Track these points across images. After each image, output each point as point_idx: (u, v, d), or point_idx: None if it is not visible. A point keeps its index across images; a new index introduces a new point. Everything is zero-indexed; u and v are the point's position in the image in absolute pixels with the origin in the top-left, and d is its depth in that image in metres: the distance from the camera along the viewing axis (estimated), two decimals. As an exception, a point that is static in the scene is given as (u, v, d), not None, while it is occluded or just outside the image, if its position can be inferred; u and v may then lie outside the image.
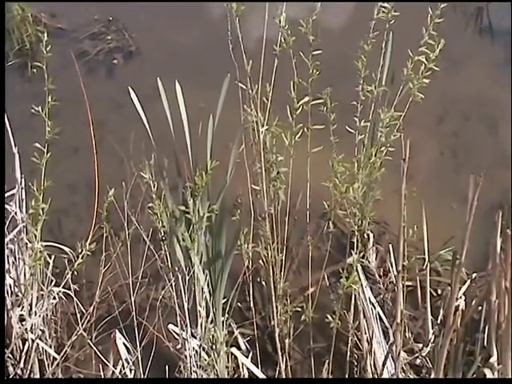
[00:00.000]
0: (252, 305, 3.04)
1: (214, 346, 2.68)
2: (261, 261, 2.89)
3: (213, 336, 2.62)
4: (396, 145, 2.92)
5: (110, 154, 3.59)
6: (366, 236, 3.31)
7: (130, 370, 2.62)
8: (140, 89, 2.78)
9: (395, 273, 3.12)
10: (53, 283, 2.76)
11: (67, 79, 4.42)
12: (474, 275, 3.04)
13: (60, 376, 2.68)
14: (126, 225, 2.57)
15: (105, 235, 2.69)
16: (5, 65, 4.46)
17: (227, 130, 2.55)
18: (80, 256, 2.56)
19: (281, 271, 2.82)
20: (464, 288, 2.94)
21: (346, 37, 4.15)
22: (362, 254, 3.14)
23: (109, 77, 4.48)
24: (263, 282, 3.18)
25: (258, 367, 2.84)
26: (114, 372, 2.60)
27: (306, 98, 2.50)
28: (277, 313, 2.78)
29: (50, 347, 2.70)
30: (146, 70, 4.43)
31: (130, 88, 2.53)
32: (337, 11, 4.63)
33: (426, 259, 2.99)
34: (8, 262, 2.69)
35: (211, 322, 2.71)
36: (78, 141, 3.86)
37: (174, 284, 2.57)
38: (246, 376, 2.82)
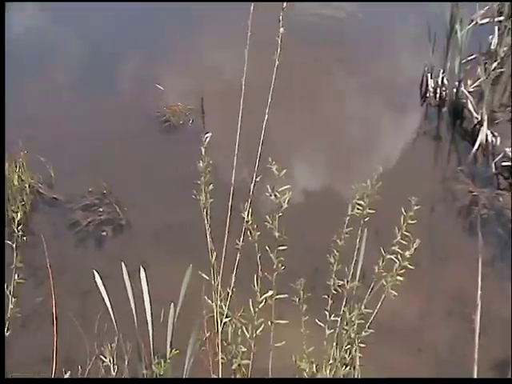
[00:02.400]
0: None
1: None
2: None
3: None
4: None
5: (88, 325, 3.59)
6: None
7: None
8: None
9: None
10: None
11: (58, 248, 4.54)
12: None
13: None
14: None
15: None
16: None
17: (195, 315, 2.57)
18: None
19: None
20: None
21: (320, 228, 4.27)
22: None
23: (97, 248, 4.57)
24: None
25: None
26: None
27: (270, 292, 2.53)
28: None
29: None
30: (135, 243, 4.52)
31: (95, 271, 2.59)
32: (309, 200, 4.83)
33: None
34: None
35: None
36: (59, 310, 3.86)
37: None
38: None
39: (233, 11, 2.98)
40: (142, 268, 2.64)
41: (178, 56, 6.43)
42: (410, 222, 2.85)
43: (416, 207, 2.80)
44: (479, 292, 2.56)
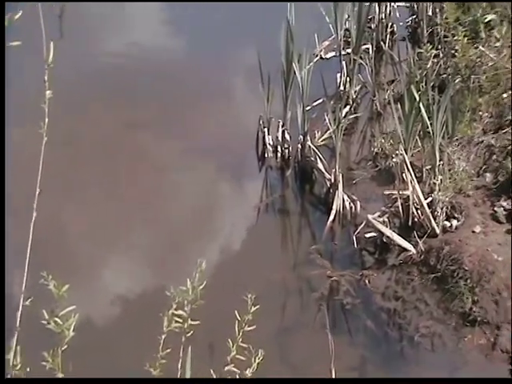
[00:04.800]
0: None
1: None
2: None
3: None
4: None
5: None
6: None
7: None
8: None
9: None
10: None
11: None
12: None
13: None
14: None
15: None
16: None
17: None
18: None
19: None
20: None
21: (132, 353, 4.26)
22: None
23: None
24: None
25: None
26: None
27: None
28: None
29: None
30: None
31: None
32: (117, 314, 4.83)
33: None
34: None
35: None
36: None
37: None
38: None
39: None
40: None
41: None
42: (248, 328, 2.91)
43: (254, 307, 2.86)
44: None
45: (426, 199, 5.35)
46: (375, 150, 6.15)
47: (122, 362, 4.41)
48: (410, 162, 5.44)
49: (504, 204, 5.40)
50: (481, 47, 6.38)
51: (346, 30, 6.85)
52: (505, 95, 6.07)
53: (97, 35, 7.33)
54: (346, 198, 5.60)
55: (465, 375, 4.49)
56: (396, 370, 4.61)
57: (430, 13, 7.22)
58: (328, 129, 6.06)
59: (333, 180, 5.73)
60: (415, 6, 7.48)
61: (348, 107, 6.50)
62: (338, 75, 6.72)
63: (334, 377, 3.06)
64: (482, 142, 5.88)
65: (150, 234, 5.55)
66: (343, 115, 6.10)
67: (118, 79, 6.75)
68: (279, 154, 6.23)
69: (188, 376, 3.26)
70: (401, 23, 7.49)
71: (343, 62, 6.75)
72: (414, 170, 5.44)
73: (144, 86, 6.74)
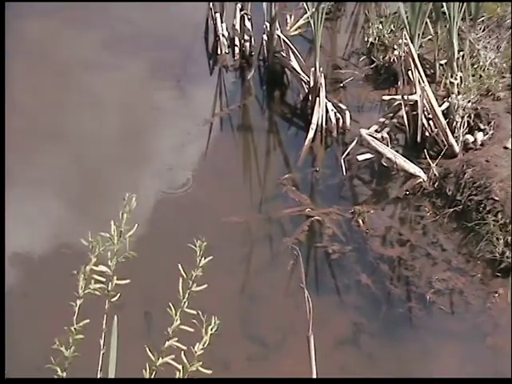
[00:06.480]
0: None
1: None
2: None
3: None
4: None
5: None
6: None
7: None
8: None
9: None
10: None
11: None
12: None
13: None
14: None
15: None
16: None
17: None
18: None
19: None
20: None
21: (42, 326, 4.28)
22: None
23: None
24: None
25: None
26: None
27: None
28: None
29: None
30: None
31: None
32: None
33: None
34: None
35: None
36: None
37: None
38: None
39: None
40: None
41: None
42: (196, 288, 2.92)
43: (205, 260, 2.85)
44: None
45: (440, 105, 5.35)
46: (370, 39, 6.12)
47: (24, 339, 4.39)
48: (419, 55, 5.41)
49: (547, 109, 5.41)
50: None
51: None
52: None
53: None
54: (330, 107, 5.57)
55: (495, 343, 4.52)
56: (400, 340, 4.63)
57: None
58: (305, 12, 6.02)
59: (312, 83, 5.69)
60: None
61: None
62: None
63: (313, 351, 3.06)
64: (518, 23, 5.88)
65: (61, 158, 5.54)
66: (327, -8, 6.06)
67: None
68: (237, 49, 6.21)
69: (114, 356, 3.27)
70: None
71: None
72: (423, 66, 5.42)
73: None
